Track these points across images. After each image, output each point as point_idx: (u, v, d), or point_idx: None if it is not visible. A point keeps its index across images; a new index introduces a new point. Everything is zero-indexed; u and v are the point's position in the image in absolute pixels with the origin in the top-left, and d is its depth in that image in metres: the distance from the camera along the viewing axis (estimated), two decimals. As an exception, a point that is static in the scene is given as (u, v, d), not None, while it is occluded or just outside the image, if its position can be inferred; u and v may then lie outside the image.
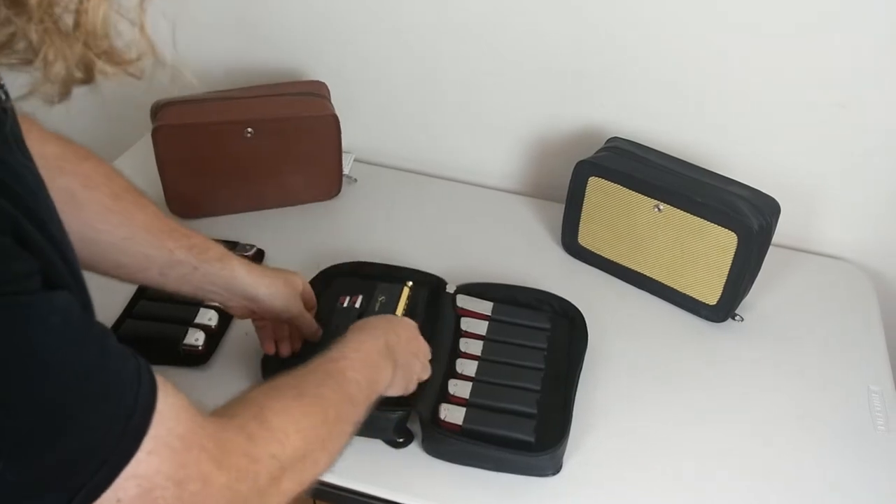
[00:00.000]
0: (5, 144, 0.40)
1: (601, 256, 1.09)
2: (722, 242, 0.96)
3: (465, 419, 0.82)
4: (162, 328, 0.93)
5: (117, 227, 0.70)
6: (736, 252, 0.96)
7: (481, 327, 0.95)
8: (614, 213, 1.04)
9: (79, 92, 0.41)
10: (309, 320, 0.86)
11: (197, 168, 1.11)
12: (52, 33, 0.37)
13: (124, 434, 0.41)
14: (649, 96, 1.13)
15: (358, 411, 0.64)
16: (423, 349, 0.80)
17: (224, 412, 0.52)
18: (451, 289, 0.99)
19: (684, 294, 1.03)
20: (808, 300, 1.09)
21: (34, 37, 0.36)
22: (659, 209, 1.00)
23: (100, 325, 0.43)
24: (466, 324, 0.95)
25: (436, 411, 0.83)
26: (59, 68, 0.37)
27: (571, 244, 1.12)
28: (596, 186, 1.04)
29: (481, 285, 1.00)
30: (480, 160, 1.28)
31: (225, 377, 0.90)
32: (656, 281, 1.05)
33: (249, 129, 1.09)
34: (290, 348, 0.88)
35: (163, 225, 0.74)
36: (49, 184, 0.45)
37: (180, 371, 0.90)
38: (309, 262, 1.03)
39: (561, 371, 0.91)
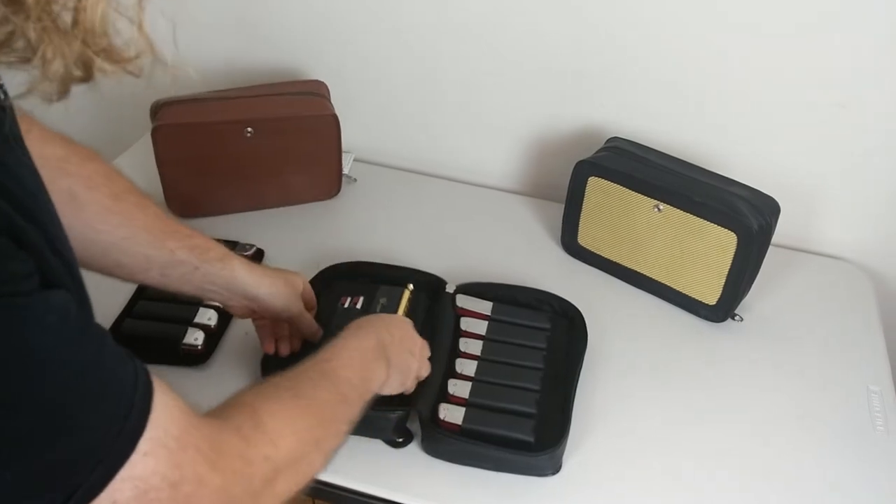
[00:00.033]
0: (4, 143, 0.40)
1: (601, 256, 1.09)
2: (722, 242, 0.96)
3: (465, 419, 0.82)
4: (161, 328, 0.93)
5: (117, 228, 0.71)
6: (735, 252, 0.96)
7: (481, 327, 0.95)
8: (614, 213, 1.04)
9: (78, 91, 0.41)
10: (309, 320, 0.86)
11: (197, 167, 1.11)
12: (50, 31, 0.37)
13: (120, 435, 0.41)
14: (649, 96, 1.13)
15: (352, 411, 0.64)
16: (418, 347, 0.80)
17: (218, 414, 0.52)
18: (450, 288, 0.99)
19: (684, 294, 1.03)
20: (807, 300, 1.09)
21: (32, 35, 0.36)
22: (659, 209, 1.00)
23: (97, 326, 0.43)
24: (466, 323, 0.95)
25: (435, 411, 0.83)
26: (57, 66, 0.37)
27: (571, 244, 1.12)
28: (596, 186, 1.04)
29: (481, 285, 1.00)
30: (480, 160, 1.28)
31: (224, 377, 0.90)
32: (656, 281, 1.05)
33: (249, 129, 1.09)
34: (290, 348, 0.88)
35: (164, 225, 0.74)
36: (51, 185, 0.45)
37: (180, 371, 0.90)
38: (308, 262, 1.03)
39: (560, 371, 0.91)
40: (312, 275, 0.97)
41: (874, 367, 0.98)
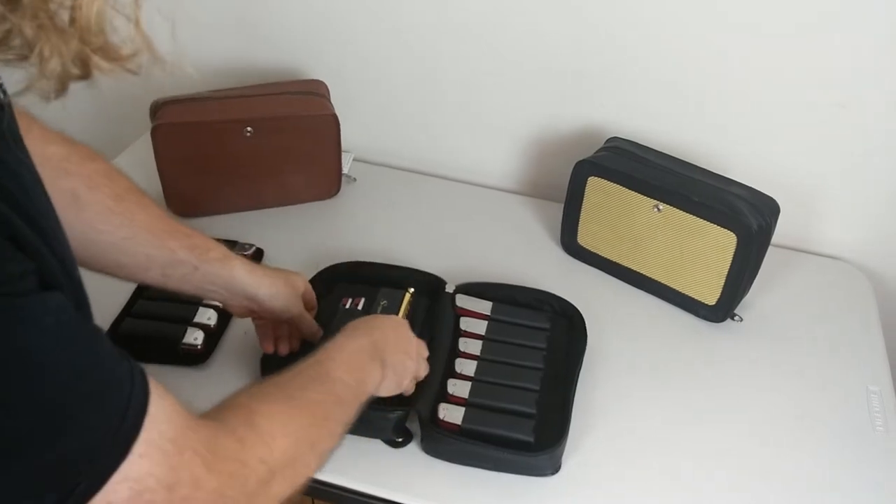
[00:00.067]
0: (2, 142, 0.40)
1: (600, 256, 1.09)
2: (721, 242, 0.96)
3: (464, 419, 0.82)
4: (161, 327, 0.93)
5: (118, 228, 0.71)
6: (735, 252, 0.96)
7: (480, 327, 0.95)
8: (614, 212, 1.04)
9: (78, 90, 0.41)
10: (309, 321, 0.86)
11: (196, 167, 1.11)
12: (47, 29, 0.37)
13: (116, 436, 0.41)
14: (649, 96, 1.13)
15: (347, 412, 0.64)
16: (414, 347, 0.80)
17: (214, 415, 0.52)
18: (450, 288, 0.99)
19: (683, 294, 1.03)
20: (807, 300, 1.09)
21: (29, 32, 0.36)
22: (658, 209, 1.00)
23: (94, 327, 0.43)
24: (466, 323, 0.95)
25: (435, 411, 0.83)
26: (54, 64, 0.37)
27: (571, 244, 1.12)
28: (595, 186, 1.04)
29: (480, 285, 1.00)
30: (480, 160, 1.28)
31: (224, 376, 0.90)
32: (655, 281, 1.05)
33: (249, 128, 1.09)
34: (289, 348, 0.88)
35: (165, 225, 0.74)
36: (52, 185, 0.45)
37: (179, 370, 0.90)
38: (308, 262, 1.03)
39: (560, 371, 0.91)
40: (312, 274, 0.97)
41: (873, 368, 0.98)
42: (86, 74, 0.40)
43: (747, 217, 0.94)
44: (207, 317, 0.94)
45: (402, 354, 0.77)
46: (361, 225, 1.17)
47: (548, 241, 1.16)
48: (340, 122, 1.13)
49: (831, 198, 1.14)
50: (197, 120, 1.08)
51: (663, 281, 1.05)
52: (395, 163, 1.32)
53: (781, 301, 1.07)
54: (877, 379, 0.96)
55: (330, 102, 1.15)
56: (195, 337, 0.91)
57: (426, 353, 0.83)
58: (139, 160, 1.18)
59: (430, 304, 0.98)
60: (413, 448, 0.83)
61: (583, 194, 1.06)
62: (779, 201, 0.99)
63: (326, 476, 0.80)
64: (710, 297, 1.01)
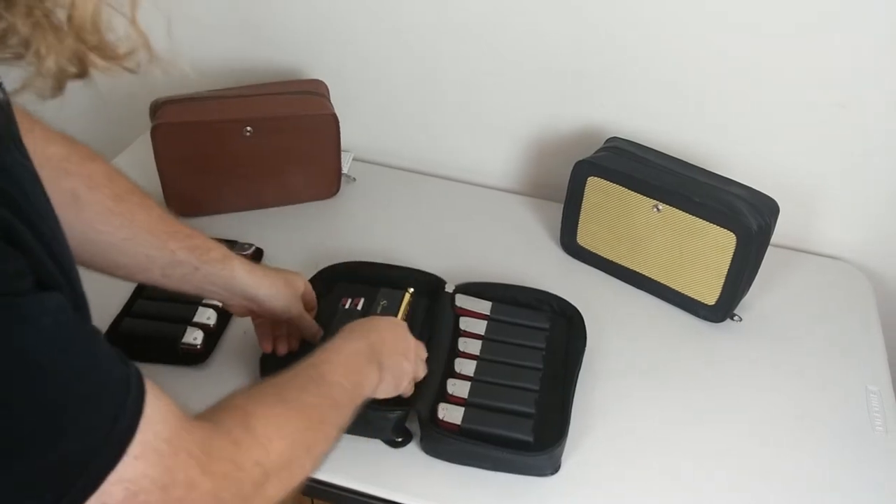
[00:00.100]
0: (0, 143, 0.40)
1: (600, 256, 1.09)
2: (721, 242, 0.96)
3: (464, 419, 0.82)
4: (160, 327, 0.93)
5: (118, 229, 0.71)
6: (735, 252, 0.96)
7: (480, 327, 0.95)
8: (613, 212, 1.04)
9: (78, 89, 0.41)
10: (309, 321, 0.86)
11: (196, 166, 1.11)
12: (42, 27, 0.37)
13: (111, 437, 0.41)
14: (649, 96, 1.13)
15: (343, 415, 0.64)
16: (412, 349, 0.79)
17: (209, 417, 0.52)
18: (449, 288, 0.99)
19: (683, 294, 1.03)
20: (806, 300, 1.09)
21: (25, 30, 0.36)
22: (658, 209, 1.00)
23: (91, 328, 0.43)
24: (465, 323, 0.95)
25: (434, 411, 0.83)
26: (50, 63, 0.37)
27: (570, 244, 1.12)
28: (595, 186, 1.04)
29: (480, 285, 1.00)
30: (480, 160, 1.28)
31: (223, 376, 0.90)
32: (655, 281, 1.05)
33: (249, 128, 1.09)
34: (288, 347, 0.88)
35: (165, 226, 0.74)
36: (53, 185, 0.44)
37: (178, 370, 0.89)
38: (307, 261, 1.03)
39: (559, 371, 0.91)
40: (311, 274, 0.97)
41: (873, 368, 0.98)
42: (83, 73, 0.39)
43: (747, 217, 0.94)
44: (207, 316, 0.94)
45: (399, 356, 0.76)
46: (361, 225, 1.17)
47: (547, 241, 1.16)
48: (340, 122, 1.13)
49: (831, 198, 1.14)
50: (196, 120, 1.08)
51: (663, 281, 1.05)
52: (394, 163, 1.32)
53: (781, 301, 1.07)
54: (876, 379, 0.96)
55: (330, 102, 1.15)
56: (194, 337, 0.91)
57: (424, 355, 0.83)
58: (139, 160, 1.17)
59: (430, 304, 0.98)
60: (413, 448, 0.83)
61: (582, 194, 1.06)
62: (779, 201, 0.99)
63: (326, 476, 0.80)
64: (710, 297, 1.01)
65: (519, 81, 1.18)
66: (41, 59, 0.37)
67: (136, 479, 0.42)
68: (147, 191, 0.75)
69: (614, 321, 1.01)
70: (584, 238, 1.10)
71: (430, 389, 0.85)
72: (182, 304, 0.94)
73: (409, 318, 0.94)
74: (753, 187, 0.99)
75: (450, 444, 0.81)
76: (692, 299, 1.03)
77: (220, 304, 0.94)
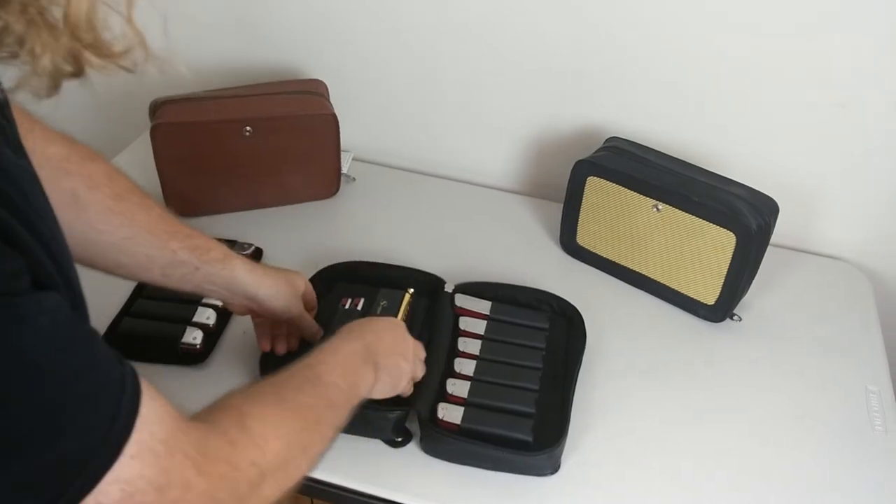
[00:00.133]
0: None
1: (600, 256, 1.09)
2: (720, 242, 0.96)
3: (464, 418, 0.82)
4: (160, 327, 0.93)
5: (119, 228, 0.71)
6: (734, 252, 0.96)
7: (480, 326, 0.95)
8: (613, 212, 1.04)
9: (77, 89, 0.41)
10: (309, 321, 0.86)
11: (195, 166, 1.11)
12: (37, 25, 0.36)
13: (108, 437, 0.41)
14: (649, 96, 1.13)
15: (339, 415, 0.64)
16: (410, 349, 0.79)
17: (205, 417, 0.52)
18: (449, 288, 0.99)
19: (682, 294, 1.03)
20: (806, 300, 1.09)
21: (19, 29, 0.36)
22: (658, 209, 1.00)
23: (89, 328, 0.43)
24: (465, 323, 0.95)
25: (434, 410, 0.83)
26: (46, 61, 0.37)
27: (570, 244, 1.12)
28: (595, 186, 1.04)
29: (480, 284, 1.00)
30: (480, 160, 1.28)
31: (223, 376, 0.90)
32: (655, 280, 1.05)
33: (248, 128, 1.09)
34: (287, 347, 0.88)
35: (166, 226, 0.74)
36: (53, 185, 0.44)
37: (178, 370, 0.89)
38: (307, 261, 1.03)
39: (559, 370, 0.91)
40: (311, 274, 0.97)
41: (873, 367, 0.98)
42: (78, 71, 0.39)
43: (746, 217, 0.94)
44: (206, 316, 0.94)
45: (396, 357, 0.76)
46: (361, 225, 1.17)
47: (547, 240, 1.16)
48: (340, 122, 1.13)
49: (831, 198, 1.14)
50: (196, 120, 1.08)
51: (662, 281, 1.04)
52: (394, 163, 1.32)
53: (781, 301, 1.07)
54: (876, 379, 0.96)
55: (329, 102, 1.15)
56: (194, 336, 0.91)
57: (423, 355, 0.83)
58: (138, 160, 1.17)
59: (430, 303, 0.98)
60: (412, 448, 0.83)
61: (582, 194, 1.06)
62: (778, 201, 0.99)
63: (326, 476, 0.80)
64: (710, 296, 1.01)
65: (519, 81, 1.18)
66: (36, 58, 0.37)
67: (133, 479, 0.42)
68: (147, 190, 0.75)
69: (614, 321, 1.01)
70: (583, 238, 1.10)
71: (430, 389, 0.85)
72: (181, 304, 0.94)
73: (409, 318, 0.94)
74: (753, 187, 0.99)
75: (449, 444, 0.81)
76: (692, 299, 1.03)
77: (219, 304, 0.94)
